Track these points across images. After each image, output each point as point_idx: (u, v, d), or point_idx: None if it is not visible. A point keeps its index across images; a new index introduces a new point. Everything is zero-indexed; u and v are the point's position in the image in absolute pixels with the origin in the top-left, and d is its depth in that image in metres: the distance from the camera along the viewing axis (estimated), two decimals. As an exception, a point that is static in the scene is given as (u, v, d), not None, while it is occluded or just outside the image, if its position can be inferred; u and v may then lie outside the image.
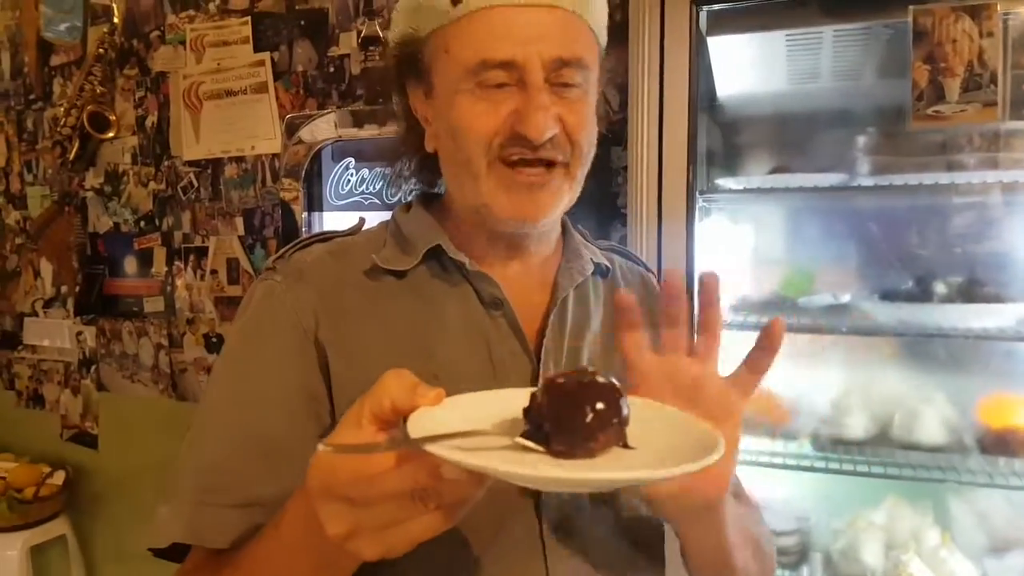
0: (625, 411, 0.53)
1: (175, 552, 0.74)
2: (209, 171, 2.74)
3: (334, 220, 2.04)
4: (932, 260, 1.58)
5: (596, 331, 0.87)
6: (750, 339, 0.84)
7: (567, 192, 0.79)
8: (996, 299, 1.42)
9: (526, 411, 0.56)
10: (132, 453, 2.82)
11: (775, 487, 1.70)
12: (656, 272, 1.41)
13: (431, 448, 0.48)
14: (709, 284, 0.68)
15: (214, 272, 2.74)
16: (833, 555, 1.59)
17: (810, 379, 1.67)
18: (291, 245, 0.85)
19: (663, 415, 0.59)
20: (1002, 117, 1.25)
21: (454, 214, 0.85)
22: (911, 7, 1.26)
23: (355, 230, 0.89)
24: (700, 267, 1.43)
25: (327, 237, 0.86)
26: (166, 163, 2.77)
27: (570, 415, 0.53)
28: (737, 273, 1.74)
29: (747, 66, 1.60)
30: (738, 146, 1.71)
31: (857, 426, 1.58)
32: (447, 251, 0.81)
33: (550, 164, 0.76)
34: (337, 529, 0.53)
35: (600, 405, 0.53)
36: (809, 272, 1.72)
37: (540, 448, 0.53)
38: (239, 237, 2.70)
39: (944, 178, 1.43)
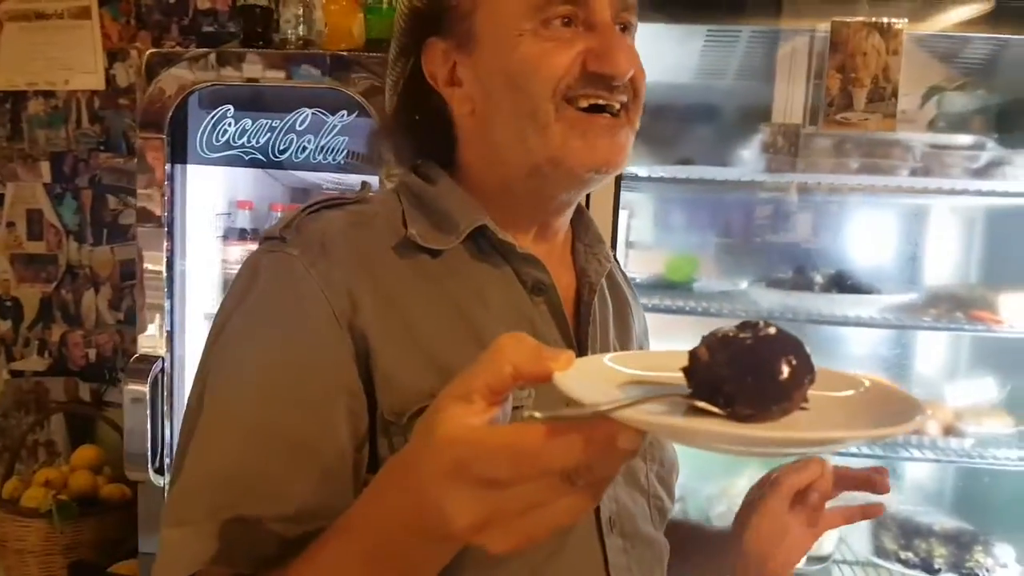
0: (814, 366, 0.50)
1: None
2: (8, 105, 2.32)
3: (204, 174, 1.78)
4: (813, 253, 1.75)
5: (615, 318, 0.85)
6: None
7: (631, 144, 0.74)
8: (866, 290, 1.60)
9: (688, 371, 0.50)
10: None
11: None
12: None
13: (645, 417, 0.42)
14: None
15: (11, 225, 2.34)
16: (713, 520, 1.70)
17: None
18: (299, 211, 0.73)
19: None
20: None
21: (487, 187, 0.76)
22: (833, 18, 1.38)
23: (363, 196, 0.78)
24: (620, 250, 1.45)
25: (336, 202, 0.75)
26: (-50, 90, 2.28)
27: (760, 373, 0.48)
28: (637, 256, 1.79)
29: (660, 57, 1.65)
30: (641, 133, 1.76)
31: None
32: (494, 232, 0.73)
33: (615, 113, 0.71)
34: (469, 519, 0.45)
35: (794, 360, 0.48)
36: (694, 259, 1.83)
37: (720, 411, 0.48)
38: (45, 185, 2.33)
39: (828, 179, 1.59)
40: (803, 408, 0.50)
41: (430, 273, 0.71)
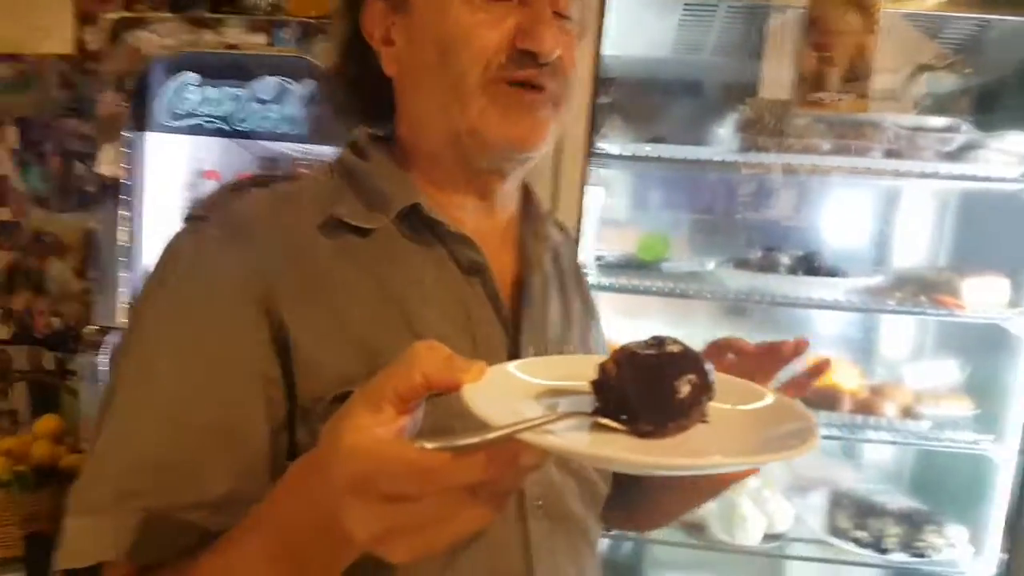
0: (714, 383, 0.50)
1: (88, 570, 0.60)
2: (-28, 67, 2.26)
3: (167, 142, 1.75)
4: (784, 234, 1.72)
5: (557, 300, 0.83)
6: (610, 300, 0.88)
7: (556, 127, 0.74)
8: (832, 272, 1.59)
9: (597, 385, 0.51)
10: None
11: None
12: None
13: (543, 439, 0.43)
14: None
15: (-25, 191, 2.30)
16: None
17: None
18: (222, 188, 0.73)
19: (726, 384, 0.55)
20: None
21: (419, 159, 0.75)
22: (807, -6, 1.33)
23: (294, 174, 0.79)
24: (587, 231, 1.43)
25: (263, 180, 0.74)
26: (-90, 50, 2.23)
27: (660, 391, 0.48)
28: (605, 235, 1.77)
29: (637, 30, 1.60)
30: (616, 110, 1.72)
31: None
32: (425, 211, 0.71)
33: (540, 88, 0.71)
34: (368, 532, 0.45)
35: (692, 378, 0.49)
36: (666, 238, 1.80)
37: (622, 427, 0.49)
38: (12, 150, 2.27)
39: (799, 159, 1.55)
40: (703, 421, 0.51)
41: (358, 253, 0.70)
